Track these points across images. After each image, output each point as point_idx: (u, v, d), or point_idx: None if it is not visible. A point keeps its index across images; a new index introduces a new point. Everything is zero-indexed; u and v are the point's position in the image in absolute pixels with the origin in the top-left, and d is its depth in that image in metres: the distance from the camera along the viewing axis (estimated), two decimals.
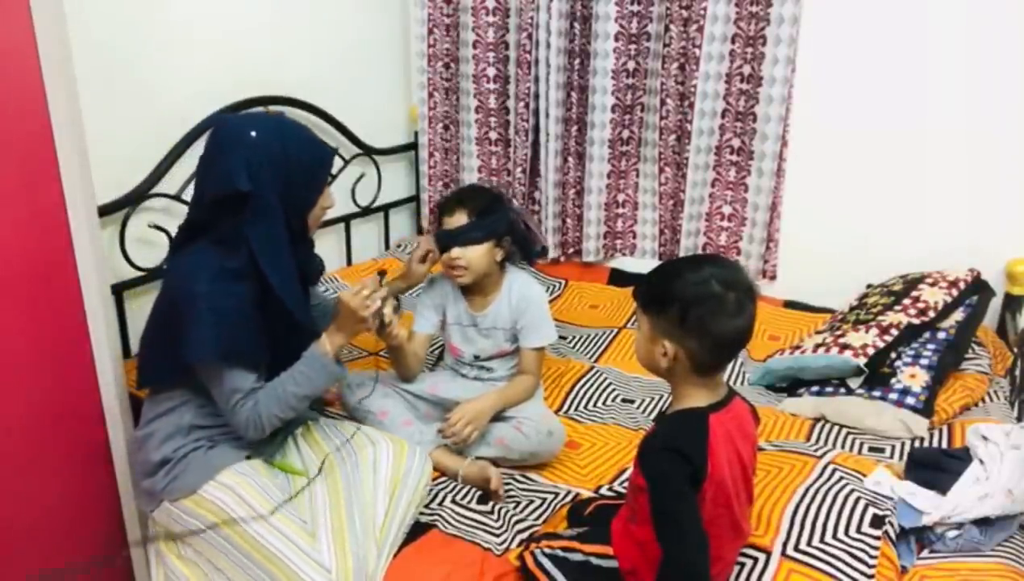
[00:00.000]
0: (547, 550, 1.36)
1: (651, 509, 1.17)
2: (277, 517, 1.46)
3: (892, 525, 1.44)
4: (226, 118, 1.60)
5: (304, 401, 1.54)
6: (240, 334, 1.45)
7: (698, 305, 1.18)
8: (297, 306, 1.54)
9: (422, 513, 1.62)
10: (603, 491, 1.67)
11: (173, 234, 2.10)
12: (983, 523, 1.45)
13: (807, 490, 1.52)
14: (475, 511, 1.64)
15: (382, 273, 1.64)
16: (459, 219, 1.84)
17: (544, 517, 1.62)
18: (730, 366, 2.20)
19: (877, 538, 1.40)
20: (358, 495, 1.52)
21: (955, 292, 2.12)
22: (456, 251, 1.84)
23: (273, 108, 2.41)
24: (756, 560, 1.38)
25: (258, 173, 1.44)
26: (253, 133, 1.45)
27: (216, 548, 1.49)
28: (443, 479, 1.75)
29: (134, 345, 2.09)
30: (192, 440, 1.53)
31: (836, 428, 1.92)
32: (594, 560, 1.32)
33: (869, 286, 2.43)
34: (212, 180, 1.47)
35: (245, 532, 1.44)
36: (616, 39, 2.57)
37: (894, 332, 2.03)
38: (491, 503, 1.67)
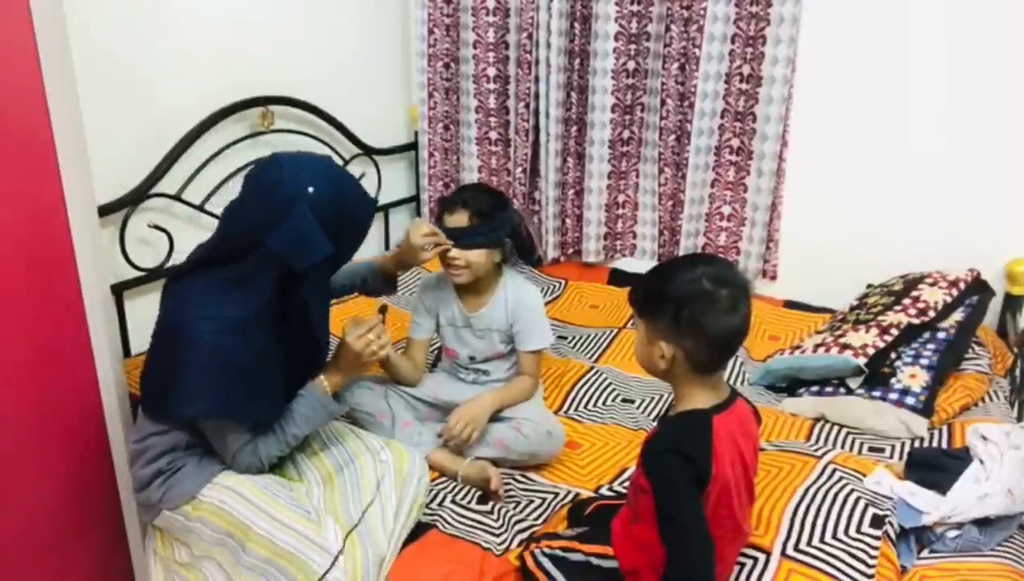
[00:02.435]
0: (547, 550, 1.36)
1: (655, 511, 1.17)
2: (280, 510, 1.45)
3: (892, 525, 1.44)
4: (279, 165, 1.41)
5: (302, 438, 1.55)
6: (247, 394, 1.42)
7: (690, 303, 1.18)
8: (325, 354, 1.60)
9: (422, 513, 1.62)
10: (603, 491, 1.67)
11: (173, 235, 2.13)
12: (983, 523, 1.45)
13: (807, 490, 1.52)
14: (475, 511, 1.64)
15: (383, 309, 1.58)
16: (460, 219, 1.83)
17: (544, 517, 1.62)
18: (730, 366, 2.20)
19: (877, 538, 1.40)
20: (357, 500, 1.52)
21: (955, 292, 2.12)
22: (455, 251, 1.83)
23: (273, 108, 2.41)
24: (756, 560, 1.38)
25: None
26: (311, 189, 1.37)
27: (219, 547, 1.49)
28: (443, 479, 1.75)
29: (134, 345, 2.09)
30: (188, 452, 1.53)
31: (836, 428, 1.92)
32: (594, 560, 1.32)
33: (869, 286, 2.43)
34: (282, 241, 1.36)
35: (250, 529, 1.44)
36: (616, 39, 2.57)
37: (894, 332, 2.03)
38: (491, 503, 1.67)
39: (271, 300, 1.42)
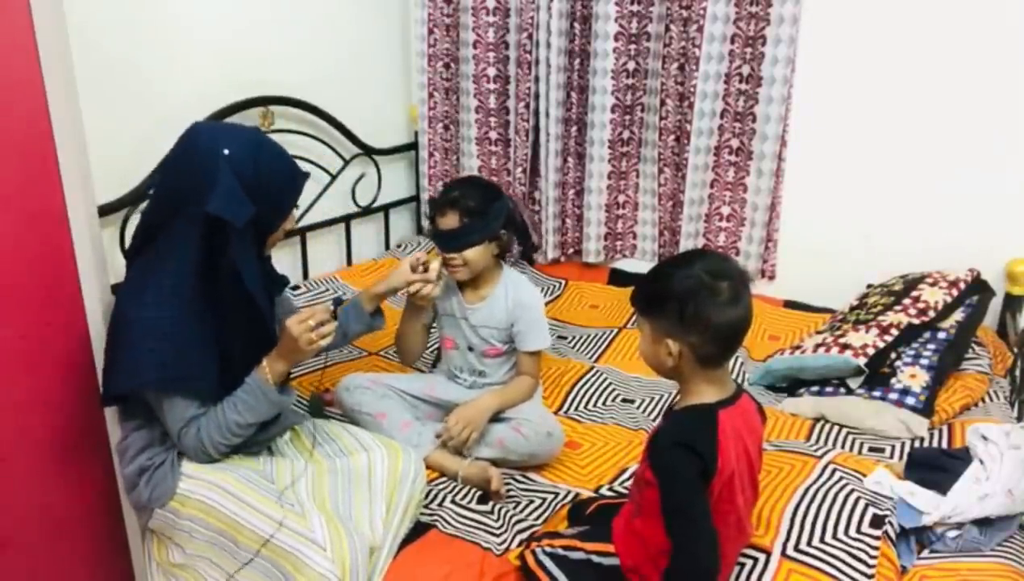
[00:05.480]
0: (548, 548, 1.36)
1: (662, 504, 1.18)
2: (266, 504, 1.45)
3: (892, 525, 1.44)
4: (196, 131, 1.49)
5: (249, 428, 1.51)
6: (175, 361, 1.42)
7: (693, 297, 1.19)
8: (271, 323, 1.57)
9: (422, 513, 1.62)
10: (603, 491, 1.67)
11: None
12: (983, 523, 1.45)
13: (807, 490, 1.52)
14: (475, 511, 1.64)
15: (337, 301, 1.55)
16: (451, 220, 1.81)
17: (544, 517, 1.62)
18: (730, 366, 2.20)
19: (877, 538, 1.40)
20: (347, 492, 1.52)
21: (955, 292, 2.12)
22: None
23: (273, 108, 2.41)
24: (756, 560, 1.38)
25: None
26: (226, 151, 1.41)
27: (213, 546, 1.49)
28: (443, 479, 1.75)
29: None
30: (166, 448, 1.53)
31: (836, 428, 1.92)
32: (595, 558, 1.32)
33: (869, 286, 2.43)
34: (218, 202, 1.38)
35: (239, 526, 1.44)
36: (616, 39, 2.57)
37: (894, 332, 2.03)
38: (491, 503, 1.67)
39: (195, 267, 1.43)
